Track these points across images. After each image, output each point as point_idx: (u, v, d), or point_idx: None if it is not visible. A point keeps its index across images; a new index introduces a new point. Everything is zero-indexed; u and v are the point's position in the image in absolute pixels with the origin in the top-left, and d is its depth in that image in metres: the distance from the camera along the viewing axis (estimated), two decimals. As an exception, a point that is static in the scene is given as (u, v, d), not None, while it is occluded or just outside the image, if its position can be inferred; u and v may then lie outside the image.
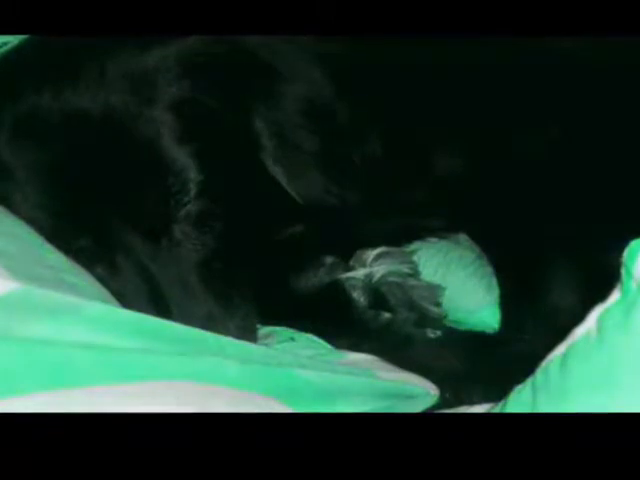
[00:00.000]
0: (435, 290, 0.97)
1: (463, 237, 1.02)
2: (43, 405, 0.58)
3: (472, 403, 0.82)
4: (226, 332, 0.79)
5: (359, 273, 0.97)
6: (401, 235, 1.02)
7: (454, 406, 0.83)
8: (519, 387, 0.63)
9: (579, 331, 0.59)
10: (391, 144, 0.95)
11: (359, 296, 0.96)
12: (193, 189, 0.85)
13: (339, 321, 0.95)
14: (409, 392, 0.81)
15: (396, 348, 0.92)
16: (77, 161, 0.83)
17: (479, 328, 0.97)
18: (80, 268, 0.81)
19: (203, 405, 0.64)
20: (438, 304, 0.97)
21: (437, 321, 0.96)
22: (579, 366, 0.57)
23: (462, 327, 0.98)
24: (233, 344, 0.73)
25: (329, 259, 0.98)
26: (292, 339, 0.91)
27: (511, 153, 0.96)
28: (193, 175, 0.85)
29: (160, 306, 0.83)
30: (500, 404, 0.65)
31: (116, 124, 0.83)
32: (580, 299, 0.88)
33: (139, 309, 0.74)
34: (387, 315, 0.95)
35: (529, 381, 0.61)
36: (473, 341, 0.95)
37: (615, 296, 0.58)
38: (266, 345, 0.88)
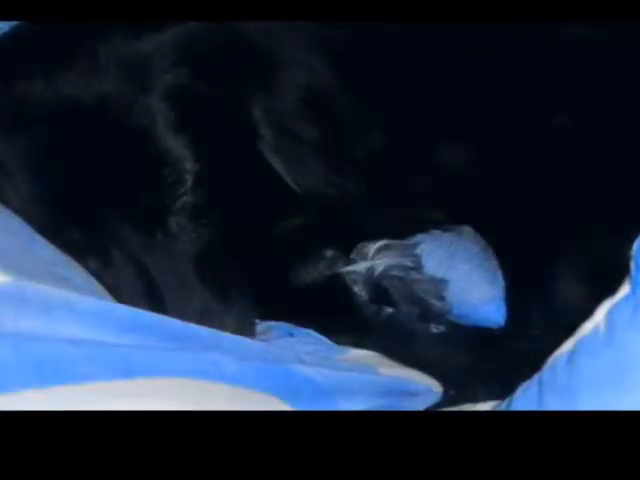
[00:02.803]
0: (438, 284, 0.97)
1: (467, 229, 1.01)
2: (34, 402, 0.58)
3: (476, 400, 0.82)
4: (223, 327, 0.79)
5: (360, 267, 0.97)
6: (403, 227, 1.01)
7: (458, 403, 0.83)
8: (525, 384, 0.62)
9: (587, 326, 0.59)
10: (393, 133, 0.95)
11: (360, 290, 0.96)
12: (189, 180, 0.85)
13: (340, 316, 0.95)
14: (412, 389, 0.81)
15: (398, 344, 0.92)
16: (69, 151, 0.83)
17: (484, 323, 0.97)
18: (73, 261, 0.81)
19: (200, 403, 0.64)
20: (442, 298, 0.97)
21: (441, 316, 0.96)
22: (587, 362, 0.57)
23: (466, 322, 0.98)
24: (230, 340, 0.73)
25: (329, 252, 0.98)
26: (291, 335, 0.91)
27: (516, 143, 0.95)
28: (189, 165, 0.84)
29: (155, 301, 0.83)
30: (505, 402, 0.65)
31: (109, 113, 0.83)
32: (588, 293, 0.88)
33: (133, 304, 0.74)
34: (389, 310, 0.95)
35: (535, 378, 0.61)
36: (478, 336, 0.95)
37: (624, 290, 0.58)
38: (264, 341, 0.88)
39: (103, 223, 0.84)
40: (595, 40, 0.95)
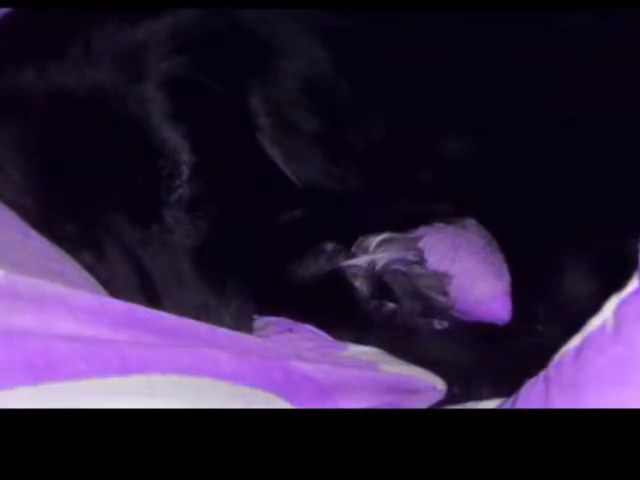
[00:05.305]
0: (442, 278, 0.97)
1: (471, 222, 1.01)
2: (26, 400, 0.58)
3: (481, 398, 0.82)
4: (221, 323, 0.79)
5: (361, 261, 0.96)
6: (406, 220, 1.01)
7: (462, 401, 0.83)
8: (531, 381, 0.62)
9: (595, 322, 0.59)
10: (394, 125, 0.95)
11: (361, 285, 0.95)
12: (185, 172, 0.84)
13: (340, 311, 0.95)
14: (414, 387, 0.81)
15: (401, 340, 0.91)
16: (62, 142, 0.83)
17: (489, 319, 0.97)
18: (67, 256, 0.80)
19: (198, 400, 0.64)
20: (445, 293, 0.96)
21: (444, 311, 0.96)
22: (595, 359, 0.57)
23: (471, 318, 0.98)
24: (228, 336, 0.72)
25: (330, 246, 0.97)
26: (290, 330, 0.91)
27: (520, 133, 0.95)
28: (185, 157, 0.84)
29: (150, 296, 0.82)
30: (511, 399, 0.65)
31: (103, 103, 0.83)
32: (596, 288, 0.88)
33: (128, 299, 0.74)
34: (391, 305, 0.95)
35: (541, 375, 0.61)
36: (482, 333, 0.95)
37: (633, 285, 0.58)
38: (263, 337, 0.88)
39: (97, 216, 0.83)
40: (602, 30, 0.94)
